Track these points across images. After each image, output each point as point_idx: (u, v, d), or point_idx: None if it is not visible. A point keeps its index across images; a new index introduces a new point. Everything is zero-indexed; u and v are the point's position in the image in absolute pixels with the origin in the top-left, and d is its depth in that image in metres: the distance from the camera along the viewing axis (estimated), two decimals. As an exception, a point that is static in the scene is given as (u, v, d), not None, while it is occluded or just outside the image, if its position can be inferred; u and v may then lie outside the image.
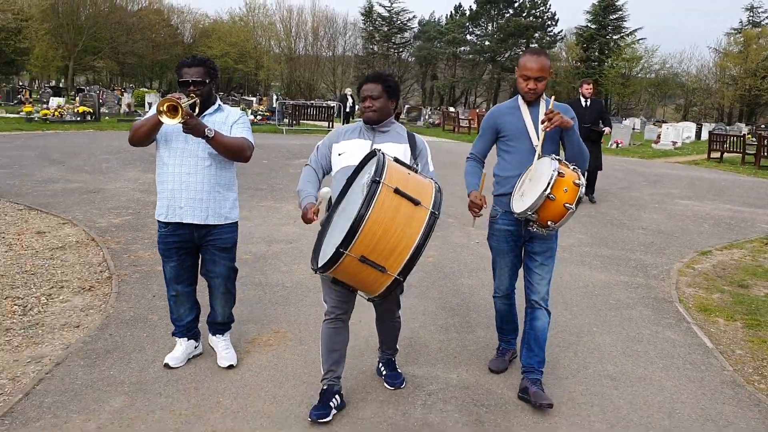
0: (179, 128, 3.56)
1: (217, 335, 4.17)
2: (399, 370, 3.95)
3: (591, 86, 10.63)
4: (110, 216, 8.08)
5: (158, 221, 3.89)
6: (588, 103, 10.47)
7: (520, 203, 3.55)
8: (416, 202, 2.88)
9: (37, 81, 63.32)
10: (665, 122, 44.27)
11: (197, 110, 3.72)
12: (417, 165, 3.44)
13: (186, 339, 4.09)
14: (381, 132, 3.55)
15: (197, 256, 4.01)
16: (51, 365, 3.96)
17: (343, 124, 25.60)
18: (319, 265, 2.97)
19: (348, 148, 3.52)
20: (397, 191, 2.86)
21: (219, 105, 3.88)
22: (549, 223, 3.43)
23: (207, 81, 3.75)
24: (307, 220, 3.26)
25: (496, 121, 3.87)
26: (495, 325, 4.23)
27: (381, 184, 2.82)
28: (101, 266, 6.05)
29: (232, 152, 3.73)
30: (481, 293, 5.74)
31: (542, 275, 3.76)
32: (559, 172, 3.36)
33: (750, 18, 61.32)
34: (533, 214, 3.42)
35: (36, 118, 21.01)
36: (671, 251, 7.73)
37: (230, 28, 68.85)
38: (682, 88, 64.42)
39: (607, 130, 10.54)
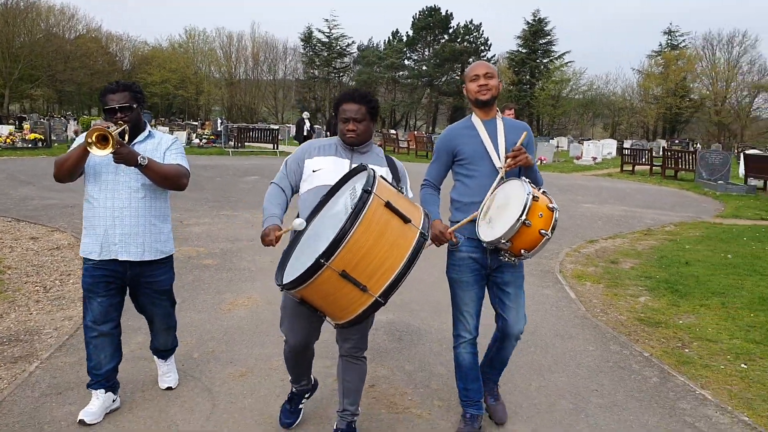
0: (109, 159, 3.33)
1: (160, 359, 4.12)
2: None
3: (513, 112, 10.64)
4: (90, 225, 9.32)
5: (85, 258, 3.60)
6: None
7: (488, 231, 3.29)
8: (407, 220, 2.73)
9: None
10: (591, 140, 47.22)
11: (126, 138, 3.47)
12: (402, 188, 3.18)
13: (103, 391, 3.66)
14: (360, 153, 3.34)
15: (124, 294, 3.73)
16: (80, 321, 5.27)
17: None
18: (291, 279, 2.68)
19: (323, 165, 3.28)
20: (388, 205, 2.70)
21: (149, 131, 3.64)
22: (522, 251, 3.18)
23: (134, 106, 3.50)
24: (265, 243, 3.04)
25: (451, 143, 3.58)
26: (457, 385, 3.69)
27: (372, 195, 2.64)
28: (95, 260, 7.33)
29: (168, 180, 3.50)
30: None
31: (517, 307, 3.54)
32: (533, 197, 3.14)
33: (668, 41, 65.68)
34: (507, 242, 3.17)
35: (-12, 145, 21.74)
36: (564, 241, 9.45)
37: (170, 54, 69.55)
38: (609, 107, 68.27)
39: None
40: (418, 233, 2.72)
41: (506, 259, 3.29)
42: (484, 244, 3.34)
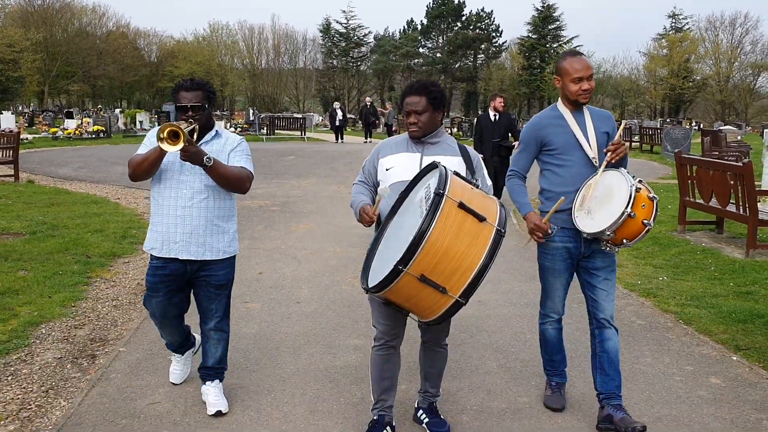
0: (175, 158, 3.45)
1: (208, 382, 3.80)
2: (442, 417, 3.57)
3: (502, 100, 10.86)
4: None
5: (150, 254, 3.67)
6: (497, 117, 10.68)
7: (589, 222, 3.37)
8: (481, 218, 2.73)
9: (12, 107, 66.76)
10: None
11: (195, 137, 3.48)
12: (477, 180, 3.19)
13: (182, 356, 4.09)
14: (430, 144, 3.35)
15: (186, 290, 3.79)
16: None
17: (336, 137, 28.21)
18: (372, 285, 2.80)
19: (396, 163, 3.34)
20: (461, 206, 2.71)
21: (217, 131, 3.67)
22: (624, 240, 3.27)
23: (206, 105, 3.56)
24: (366, 221, 3.16)
25: (539, 133, 3.60)
26: (542, 358, 3.91)
27: (444, 197, 2.66)
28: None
29: (230, 183, 3.55)
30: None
31: (608, 291, 3.57)
32: (636, 188, 3.20)
33: (672, 24, 68.06)
34: (611, 233, 3.24)
35: (61, 137, 25.54)
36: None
37: (195, 48, 72.74)
38: (617, 89, 70.74)
39: (516, 144, 10.13)
40: (494, 230, 2.75)
41: (607, 248, 3.41)
42: (585, 235, 3.41)
